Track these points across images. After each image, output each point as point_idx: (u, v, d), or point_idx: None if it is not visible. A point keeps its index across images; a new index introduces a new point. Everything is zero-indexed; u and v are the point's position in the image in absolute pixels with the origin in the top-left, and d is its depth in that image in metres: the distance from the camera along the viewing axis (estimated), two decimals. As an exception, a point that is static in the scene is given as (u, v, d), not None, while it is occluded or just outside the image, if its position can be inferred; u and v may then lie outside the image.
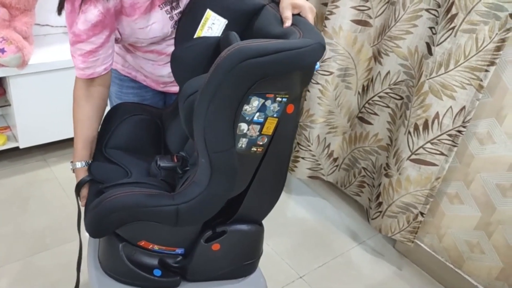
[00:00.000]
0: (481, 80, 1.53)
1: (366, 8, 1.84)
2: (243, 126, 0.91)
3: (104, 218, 1.01)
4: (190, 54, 1.18)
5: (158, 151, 1.28)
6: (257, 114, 0.90)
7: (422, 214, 1.83)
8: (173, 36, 1.23)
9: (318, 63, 0.99)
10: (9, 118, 2.26)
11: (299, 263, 1.92)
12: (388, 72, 1.86)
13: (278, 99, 0.90)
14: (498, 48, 1.47)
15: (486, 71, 1.51)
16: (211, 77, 0.85)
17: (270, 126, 0.94)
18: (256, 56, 0.83)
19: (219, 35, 1.18)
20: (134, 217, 1.01)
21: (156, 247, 1.10)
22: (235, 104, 0.87)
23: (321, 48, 0.90)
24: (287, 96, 0.91)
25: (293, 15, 1.04)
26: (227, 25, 1.17)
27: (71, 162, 1.19)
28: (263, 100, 0.89)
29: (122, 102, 1.38)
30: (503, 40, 1.45)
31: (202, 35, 1.18)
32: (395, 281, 1.90)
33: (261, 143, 0.95)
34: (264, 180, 1.05)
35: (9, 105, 2.12)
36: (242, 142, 0.93)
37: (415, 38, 1.73)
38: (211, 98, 0.85)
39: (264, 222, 1.18)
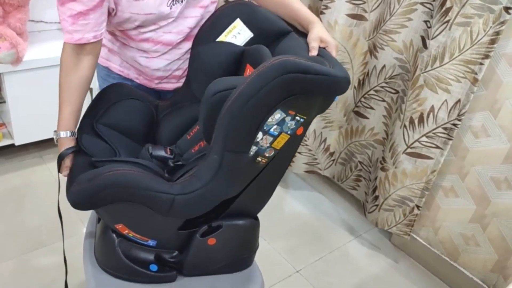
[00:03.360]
0: (476, 74, 1.53)
1: (361, 2, 1.84)
2: (259, 134, 0.93)
3: (98, 192, 0.97)
4: (211, 55, 1.21)
5: (147, 140, 1.27)
6: (275, 126, 0.93)
7: (418, 207, 1.84)
8: (169, 20, 1.22)
9: (337, 96, 1.04)
10: (4, 115, 2.25)
11: (295, 257, 1.93)
12: (384, 66, 1.86)
13: (297, 118, 0.94)
14: (493, 41, 1.47)
15: (481, 64, 1.51)
16: (254, 80, 0.88)
17: (281, 141, 0.97)
18: (300, 71, 0.88)
19: (241, 45, 1.21)
20: (128, 197, 0.98)
21: (131, 234, 1.08)
22: (265, 111, 0.90)
23: (348, 83, 0.96)
24: (305, 117, 0.95)
25: (319, 48, 1.09)
26: (251, 39, 1.21)
27: (55, 131, 1.14)
28: (285, 115, 0.93)
29: (123, 82, 1.33)
30: (497, 33, 1.46)
31: (225, 40, 1.21)
32: (391, 274, 1.91)
33: (267, 155, 0.98)
34: (259, 185, 1.07)
35: (4, 102, 2.11)
36: (252, 150, 0.95)
37: (410, 32, 1.73)
38: (248, 99, 0.88)
39: (260, 216, 1.18)
